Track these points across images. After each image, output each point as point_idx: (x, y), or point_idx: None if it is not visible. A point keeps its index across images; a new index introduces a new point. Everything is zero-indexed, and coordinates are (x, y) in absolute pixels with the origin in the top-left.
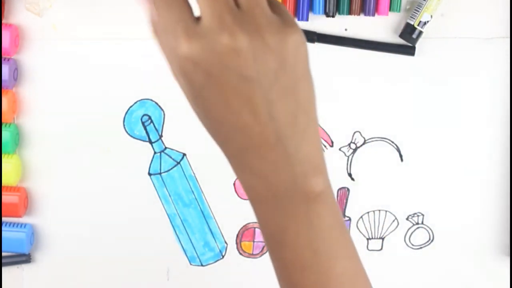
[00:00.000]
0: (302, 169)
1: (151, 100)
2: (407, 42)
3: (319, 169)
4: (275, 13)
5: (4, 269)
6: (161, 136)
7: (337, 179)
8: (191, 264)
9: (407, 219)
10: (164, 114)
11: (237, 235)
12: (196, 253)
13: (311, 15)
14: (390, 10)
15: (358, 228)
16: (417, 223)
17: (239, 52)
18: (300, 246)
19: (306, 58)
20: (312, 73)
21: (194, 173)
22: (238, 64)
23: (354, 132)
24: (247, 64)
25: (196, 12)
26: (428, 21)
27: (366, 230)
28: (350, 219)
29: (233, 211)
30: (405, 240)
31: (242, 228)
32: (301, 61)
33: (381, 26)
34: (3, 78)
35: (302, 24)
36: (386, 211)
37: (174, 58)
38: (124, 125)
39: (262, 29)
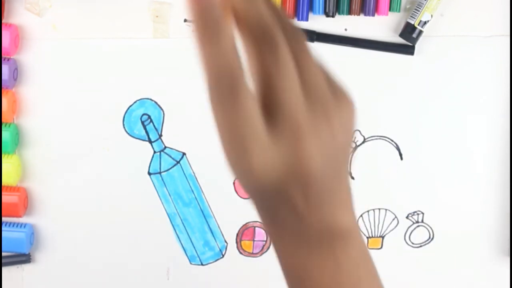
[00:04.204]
0: (330, 207)
1: (151, 99)
2: (407, 41)
3: (346, 205)
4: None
5: (4, 269)
6: (160, 135)
7: None
8: (191, 263)
9: (407, 217)
10: (163, 114)
11: (237, 234)
12: (196, 253)
13: (311, 15)
14: (390, 10)
15: None
16: (417, 222)
17: (311, 158)
18: (325, 282)
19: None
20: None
21: (194, 173)
22: (308, 172)
23: (354, 131)
24: (316, 168)
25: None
26: (428, 21)
27: (366, 228)
28: None
29: (233, 210)
30: (405, 239)
31: (242, 227)
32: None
33: (381, 25)
34: (3, 78)
35: (302, 24)
36: (386, 209)
37: (242, 168)
38: (123, 125)
39: (334, 130)
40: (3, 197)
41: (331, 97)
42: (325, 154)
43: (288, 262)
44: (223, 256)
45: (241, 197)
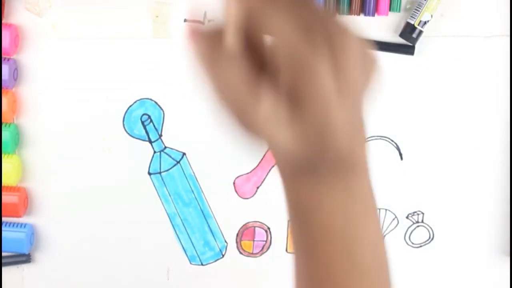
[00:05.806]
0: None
1: (151, 99)
2: (407, 41)
3: (361, 138)
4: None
5: (4, 269)
6: (160, 135)
7: None
8: (191, 263)
9: (407, 217)
10: (163, 114)
11: (237, 234)
12: (196, 253)
13: None
14: (390, 10)
15: None
16: (417, 222)
17: (337, 133)
18: (336, 214)
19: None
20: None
21: (193, 173)
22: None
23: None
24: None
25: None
26: (428, 21)
27: None
28: None
29: (233, 210)
30: (405, 239)
31: (242, 227)
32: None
33: (381, 26)
34: (3, 78)
35: None
36: (386, 209)
37: (275, 148)
38: (123, 125)
39: (358, 96)
40: (3, 197)
41: (361, 78)
42: (350, 120)
43: (295, 193)
44: (223, 256)
45: (241, 197)
